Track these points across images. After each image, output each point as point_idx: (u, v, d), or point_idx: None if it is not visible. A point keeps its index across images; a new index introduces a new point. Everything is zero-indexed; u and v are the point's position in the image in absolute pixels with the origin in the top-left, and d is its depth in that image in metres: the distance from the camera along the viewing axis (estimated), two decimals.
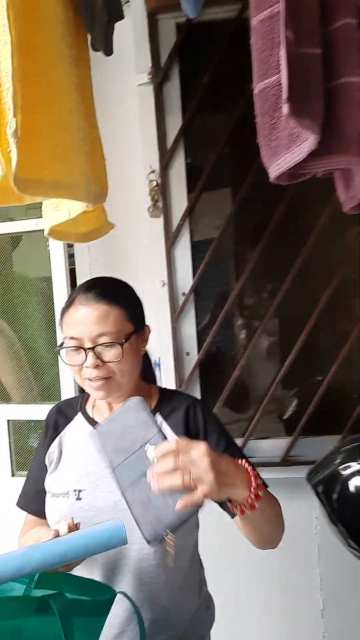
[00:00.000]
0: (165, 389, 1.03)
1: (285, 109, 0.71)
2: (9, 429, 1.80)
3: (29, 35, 0.76)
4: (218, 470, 0.71)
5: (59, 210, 1.05)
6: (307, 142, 0.75)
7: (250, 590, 1.62)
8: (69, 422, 1.01)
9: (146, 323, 0.99)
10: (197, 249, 1.62)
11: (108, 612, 0.80)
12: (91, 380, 0.91)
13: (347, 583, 1.58)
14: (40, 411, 1.70)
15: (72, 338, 0.90)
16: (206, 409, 0.98)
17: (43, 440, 1.01)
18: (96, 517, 0.87)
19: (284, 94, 0.71)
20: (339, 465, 1.14)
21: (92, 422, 0.99)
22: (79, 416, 1.01)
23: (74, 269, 1.69)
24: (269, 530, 0.87)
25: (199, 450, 0.71)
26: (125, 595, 0.85)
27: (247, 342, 1.65)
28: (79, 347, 0.90)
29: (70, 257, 1.69)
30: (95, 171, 1.03)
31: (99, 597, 0.82)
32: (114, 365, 0.90)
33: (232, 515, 0.89)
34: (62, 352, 0.92)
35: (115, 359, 0.89)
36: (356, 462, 1.05)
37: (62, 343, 0.92)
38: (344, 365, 1.54)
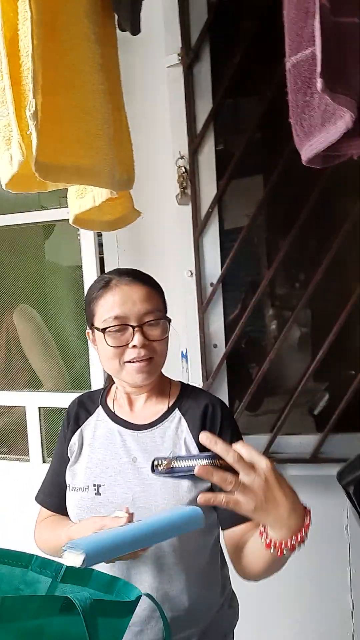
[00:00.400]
0: (187, 385, 1.01)
1: (319, 84, 0.66)
2: (40, 416, 1.82)
3: (50, 12, 0.73)
4: (280, 494, 0.68)
5: (83, 197, 1.03)
6: (343, 120, 0.70)
7: (278, 589, 1.58)
8: (90, 415, 1.00)
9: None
10: (226, 238, 1.57)
11: (132, 613, 0.78)
12: (133, 362, 0.90)
13: None
14: (70, 399, 1.71)
15: (116, 317, 0.89)
16: (225, 410, 0.95)
17: (64, 433, 1.01)
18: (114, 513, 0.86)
19: (318, 67, 0.66)
20: None
21: (113, 416, 0.98)
22: (100, 410, 1.00)
23: (103, 257, 1.68)
24: (272, 572, 0.81)
25: (265, 462, 0.68)
26: (150, 596, 0.83)
27: (277, 333, 1.60)
28: (124, 326, 0.89)
29: (100, 246, 1.69)
30: (120, 156, 1.00)
31: (124, 597, 0.81)
32: (157, 345, 0.91)
33: (223, 527, 0.89)
34: (106, 334, 0.90)
35: (161, 337, 0.91)
36: None
37: (105, 327, 0.90)
38: None
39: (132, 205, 1.19)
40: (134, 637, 0.88)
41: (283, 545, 0.70)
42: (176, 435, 0.92)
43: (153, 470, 0.80)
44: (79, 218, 1.10)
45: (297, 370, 1.58)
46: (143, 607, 0.87)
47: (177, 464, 0.73)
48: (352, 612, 1.56)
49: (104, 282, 0.93)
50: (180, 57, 1.45)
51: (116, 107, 1.01)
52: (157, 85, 1.50)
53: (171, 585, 0.88)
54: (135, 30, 0.97)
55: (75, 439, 0.98)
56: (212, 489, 0.88)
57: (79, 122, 0.82)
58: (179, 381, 1.02)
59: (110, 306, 0.90)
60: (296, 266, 1.60)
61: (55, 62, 0.77)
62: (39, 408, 1.82)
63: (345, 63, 0.70)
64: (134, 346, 0.89)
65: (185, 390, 0.98)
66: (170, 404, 0.96)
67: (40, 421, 1.82)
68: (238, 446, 0.68)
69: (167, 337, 0.92)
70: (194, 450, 0.89)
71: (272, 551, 0.71)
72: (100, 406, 1.00)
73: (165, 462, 0.74)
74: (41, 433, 1.82)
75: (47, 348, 1.89)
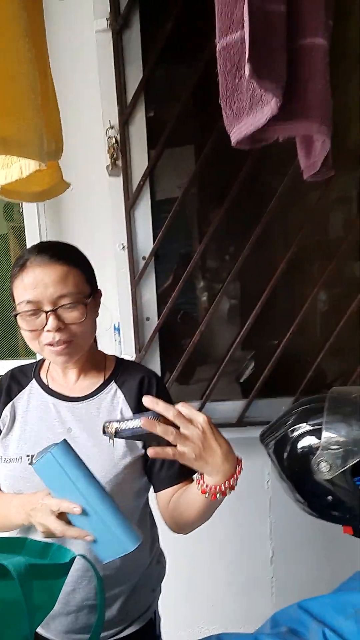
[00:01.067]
0: (122, 359, 1.03)
1: (247, 69, 0.68)
2: None
3: None
4: (216, 444, 0.75)
5: (9, 167, 0.99)
6: (269, 105, 0.73)
7: (203, 540, 1.70)
8: (22, 389, 0.99)
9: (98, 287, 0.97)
10: (159, 210, 1.57)
11: (67, 574, 0.82)
12: (52, 345, 0.88)
13: (294, 533, 1.69)
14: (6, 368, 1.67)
15: (29, 302, 0.87)
16: (160, 382, 0.99)
17: None
18: None
19: (247, 52, 0.68)
20: (290, 427, 1.19)
21: (47, 389, 0.98)
22: (33, 382, 1.00)
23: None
24: (204, 520, 0.88)
25: (202, 417, 0.75)
26: (84, 557, 0.87)
27: (208, 305, 1.65)
28: (37, 311, 0.87)
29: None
30: (48, 126, 0.97)
31: (58, 561, 0.84)
32: (76, 328, 0.89)
33: (157, 490, 0.95)
34: (19, 318, 0.89)
35: (78, 320, 0.88)
36: (305, 424, 1.09)
37: (16, 309, 0.89)
38: (300, 329, 1.58)
39: (60, 176, 1.16)
40: (66, 596, 0.92)
41: (217, 490, 0.78)
42: (112, 406, 0.94)
43: (104, 432, 0.82)
44: (4, 189, 1.06)
45: (227, 341, 1.66)
46: (76, 568, 0.91)
47: (124, 425, 0.77)
48: (271, 558, 1.72)
49: (22, 261, 0.89)
50: (109, 23, 1.40)
51: (42, 73, 0.97)
52: (86, 52, 1.44)
53: None
54: None
55: (7, 411, 0.97)
56: (145, 456, 0.92)
57: (3, 90, 0.78)
58: (114, 355, 1.03)
59: (23, 289, 0.87)
60: (227, 239, 1.65)
61: None
62: None
63: (272, 50, 0.73)
64: (49, 330, 0.87)
65: (121, 364, 1.01)
66: (106, 377, 0.97)
67: None
68: (179, 405, 0.75)
69: (87, 319, 0.89)
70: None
71: (207, 496, 0.79)
72: (33, 379, 1.00)
73: (114, 423, 0.77)
74: None
75: None
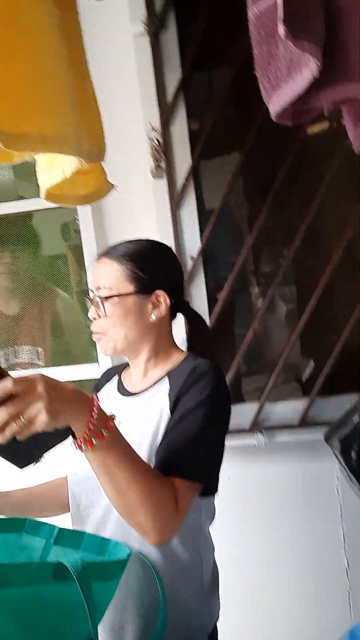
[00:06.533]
0: (194, 356, 0.95)
1: (281, 30, 0.64)
2: None
3: None
4: (49, 399, 0.65)
5: (52, 170, 1.00)
6: (308, 68, 0.68)
7: (270, 551, 1.62)
8: (107, 383, 1.05)
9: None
10: (206, 219, 1.55)
11: (122, 572, 0.79)
12: (93, 333, 0.94)
13: None
14: (74, 372, 1.70)
15: (90, 291, 0.95)
16: (209, 371, 0.88)
17: None
18: None
19: (280, 13, 0.64)
20: (356, 424, 1.11)
21: (119, 384, 1.01)
22: (115, 379, 1.04)
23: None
24: (118, 493, 0.75)
25: (29, 384, 0.66)
26: (141, 554, 0.84)
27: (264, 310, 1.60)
28: (89, 299, 0.95)
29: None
30: (89, 126, 0.97)
31: (114, 557, 0.82)
32: (105, 322, 0.91)
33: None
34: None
35: (102, 315, 0.91)
36: None
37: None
38: (359, 323, 1.48)
39: (105, 178, 1.17)
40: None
41: (87, 437, 0.69)
42: (158, 401, 0.91)
43: None
44: (51, 193, 1.07)
45: (284, 344, 1.59)
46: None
47: None
48: (347, 569, 1.60)
49: (96, 257, 0.98)
50: (145, 25, 1.42)
51: (80, 75, 0.98)
52: (125, 56, 1.46)
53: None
54: None
55: None
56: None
57: (39, 88, 0.79)
58: (189, 352, 0.98)
59: None
60: (279, 243, 1.60)
61: (9, 25, 0.74)
62: None
63: (306, 9, 0.68)
64: (91, 317, 0.94)
65: (186, 360, 0.94)
66: (164, 373, 0.94)
67: None
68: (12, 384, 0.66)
69: (113, 315, 0.90)
70: (166, 415, 0.88)
71: (84, 451, 0.71)
72: (117, 375, 1.04)
73: None
74: None
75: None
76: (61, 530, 0.88)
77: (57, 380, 0.69)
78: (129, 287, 0.91)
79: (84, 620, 0.70)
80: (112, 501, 0.77)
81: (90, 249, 1.61)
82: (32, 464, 0.72)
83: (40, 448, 0.70)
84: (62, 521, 0.95)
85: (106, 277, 0.92)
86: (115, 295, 0.90)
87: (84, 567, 0.69)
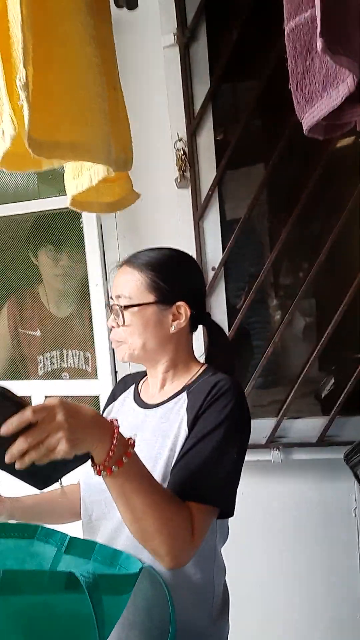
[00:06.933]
0: (212, 369, 0.94)
1: (320, 44, 0.63)
2: None
3: None
4: (69, 427, 0.65)
5: (80, 177, 1.01)
6: (345, 83, 0.67)
7: (286, 575, 1.58)
8: (124, 392, 1.04)
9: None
10: (229, 229, 1.54)
11: (133, 586, 0.78)
12: (111, 340, 0.95)
13: None
14: (73, 387, 1.73)
15: (110, 298, 0.96)
16: (230, 389, 0.86)
17: (105, 406, 1.06)
18: None
19: (319, 27, 0.63)
20: None
21: (135, 394, 1.00)
22: (131, 388, 1.03)
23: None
24: (135, 518, 0.74)
25: (49, 412, 0.65)
26: (152, 569, 0.83)
27: (281, 322, 1.58)
28: (108, 307, 0.94)
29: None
30: (118, 135, 0.98)
31: (125, 570, 0.81)
32: (124, 331, 0.91)
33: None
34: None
35: (120, 324, 0.91)
36: None
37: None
38: None
39: (131, 186, 1.17)
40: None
41: (107, 463, 0.68)
42: (177, 414, 0.89)
43: None
44: (77, 200, 1.08)
45: (304, 360, 1.56)
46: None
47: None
48: None
49: (117, 265, 0.97)
50: (176, 37, 1.43)
51: (112, 85, 0.99)
52: (154, 67, 1.48)
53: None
54: (132, 4, 0.95)
55: (107, 410, 1.03)
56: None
57: (72, 97, 0.80)
58: (208, 365, 0.96)
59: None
60: (300, 255, 1.59)
61: (46, 34, 0.75)
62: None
63: (345, 24, 0.67)
64: (109, 326, 0.94)
65: (205, 374, 0.93)
66: (185, 385, 0.93)
67: None
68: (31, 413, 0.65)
69: (132, 325, 0.89)
70: (184, 432, 0.85)
71: (103, 475, 0.70)
72: (133, 384, 1.03)
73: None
74: None
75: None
76: (72, 539, 0.86)
77: (77, 406, 0.68)
78: (150, 297, 0.90)
79: (92, 635, 0.68)
80: (127, 525, 0.76)
81: (112, 256, 1.62)
82: (51, 486, 0.71)
83: (59, 471, 0.69)
84: (73, 529, 0.94)
85: (126, 285, 0.91)
86: (134, 305, 0.90)
87: (95, 578, 0.68)
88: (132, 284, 0.90)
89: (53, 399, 0.67)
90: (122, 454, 0.70)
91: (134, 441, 0.73)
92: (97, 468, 0.70)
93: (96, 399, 1.70)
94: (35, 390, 1.81)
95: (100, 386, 1.66)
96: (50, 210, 1.67)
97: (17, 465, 0.65)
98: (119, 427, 0.71)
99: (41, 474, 0.68)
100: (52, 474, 0.69)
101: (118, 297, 0.91)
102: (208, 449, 0.81)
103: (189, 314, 0.92)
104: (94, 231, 1.62)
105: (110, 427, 0.70)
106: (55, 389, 1.79)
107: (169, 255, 0.96)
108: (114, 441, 0.69)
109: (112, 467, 0.69)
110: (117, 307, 0.90)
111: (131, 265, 0.93)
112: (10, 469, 0.66)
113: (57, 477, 0.70)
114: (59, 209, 1.63)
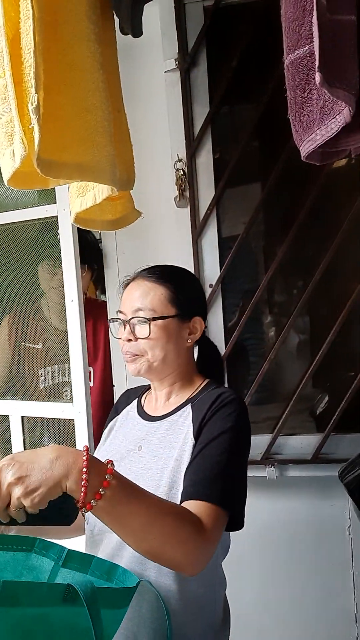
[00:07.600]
0: (215, 383, 0.96)
1: (318, 78, 0.67)
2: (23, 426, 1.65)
3: (51, 11, 0.75)
4: (22, 487, 0.63)
5: (84, 195, 1.04)
6: (341, 114, 0.71)
7: (281, 592, 1.57)
8: (127, 405, 1.04)
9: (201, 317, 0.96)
10: (226, 246, 1.58)
11: (130, 601, 0.78)
12: (125, 354, 0.93)
13: None
14: (56, 408, 1.54)
15: (119, 312, 0.95)
16: (234, 400, 0.88)
17: (108, 420, 1.07)
18: None
19: (317, 61, 0.67)
20: None
21: (139, 407, 1.01)
22: (134, 402, 1.03)
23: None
24: (137, 539, 0.72)
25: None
26: (149, 583, 0.83)
27: (276, 339, 1.60)
28: (122, 321, 0.93)
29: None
30: (121, 156, 1.01)
31: (122, 584, 0.81)
32: (145, 344, 0.91)
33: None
34: (112, 325, 0.97)
35: (143, 336, 0.90)
36: None
37: (111, 318, 0.99)
38: None
39: (132, 205, 1.20)
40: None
41: (84, 500, 0.65)
42: (181, 427, 0.90)
43: None
44: (80, 217, 1.11)
45: (298, 376, 1.58)
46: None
47: None
48: (355, 614, 1.55)
49: (126, 280, 0.97)
50: (177, 62, 1.48)
51: (116, 108, 1.02)
52: (156, 91, 1.52)
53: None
54: (137, 32, 0.99)
55: (111, 425, 1.04)
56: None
57: (80, 120, 0.83)
58: (209, 380, 0.98)
59: (121, 301, 0.96)
60: (294, 273, 1.62)
61: (56, 60, 0.78)
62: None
63: (342, 59, 0.71)
64: (122, 339, 0.93)
65: (208, 387, 0.95)
66: (186, 398, 0.94)
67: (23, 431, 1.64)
68: None
69: (156, 338, 0.90)
70: (190, 441, 0.87)
71: (83, 511, 0.67)
72: (137, 398, 1.04)
73: None
74: (24, 444, 1.64)
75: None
76: (70, 552, 0.86)
77: (28, 454, 0.66)
78: (172, 310, 0.92)
79: None
80: (134, 549, 0.74)
81: (112, 273, 1.64)
82: (73, 515, 0.70)
83: (64, 501, 0.68)
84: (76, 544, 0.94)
85: (148, 298, 0.91)
86: (161, 317, 0.91)
87: (93, 591, 0.68)
88: (155, 297, 0.91)
89: (3, 459, 0.66)
90: (98, 486, 0.66)
91: (112, 466, 0.69)
92: (79, 505, 0.66)
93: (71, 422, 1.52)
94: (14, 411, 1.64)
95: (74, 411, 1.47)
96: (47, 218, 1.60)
97: (20, 521, 0.67)
98: (88, 457, 0.66)
99: (54, 514, 0.68)
100: (63, 505, 0.68)
101: (137, 310, 0.91)
102: (217, 453, 0.83)
103: (203, 328, 0.96)
104: (70, 248, 1.45)
105: (76, 462, 0.65)
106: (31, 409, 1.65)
107: (183, 271, 1.01)
108: (83, 476, 0.65)
109: (91, 501, 0.66)
110: (142, 319, 0.90)
111: (148, 279, 0.93)
112: (28, 522, 0.68)
113: (70, 505, 0.68)
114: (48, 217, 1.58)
